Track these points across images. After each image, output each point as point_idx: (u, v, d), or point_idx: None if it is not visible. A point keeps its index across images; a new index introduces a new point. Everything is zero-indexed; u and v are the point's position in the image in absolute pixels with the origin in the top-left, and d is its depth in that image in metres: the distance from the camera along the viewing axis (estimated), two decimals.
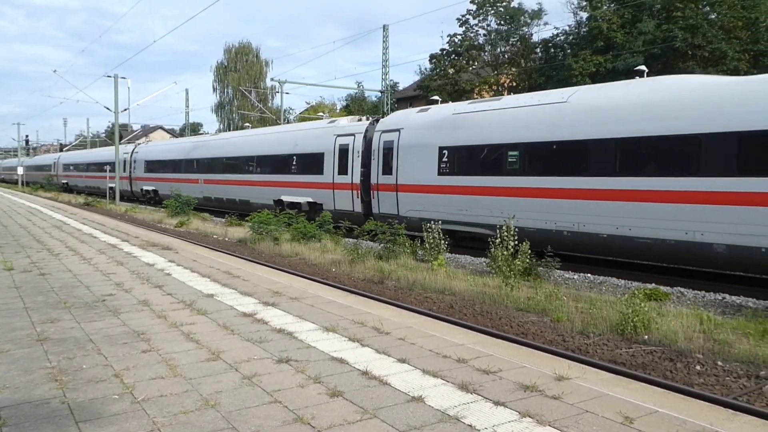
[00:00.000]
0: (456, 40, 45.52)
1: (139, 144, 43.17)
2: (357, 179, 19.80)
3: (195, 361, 5.53)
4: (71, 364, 5.41)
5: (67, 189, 55.15)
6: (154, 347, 5.97)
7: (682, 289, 11.40)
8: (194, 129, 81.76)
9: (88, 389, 4.78)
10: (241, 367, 5.39)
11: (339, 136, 20.71)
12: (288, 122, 48.67)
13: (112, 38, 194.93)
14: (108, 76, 38.08)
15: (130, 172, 40.45)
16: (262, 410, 4.40)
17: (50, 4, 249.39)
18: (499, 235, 12.11)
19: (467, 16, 44.83)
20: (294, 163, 23.11)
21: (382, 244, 14.99)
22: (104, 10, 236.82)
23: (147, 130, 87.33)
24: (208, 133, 38.94)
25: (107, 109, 38.71)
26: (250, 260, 13.72)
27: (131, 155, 40.94)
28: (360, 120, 21.26)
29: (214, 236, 20.45)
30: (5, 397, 4.59)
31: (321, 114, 47.25)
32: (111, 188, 41.37)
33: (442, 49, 46.54)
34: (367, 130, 19.79)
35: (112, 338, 6.29)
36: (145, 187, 38.59)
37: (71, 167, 56.06)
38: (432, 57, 47.24)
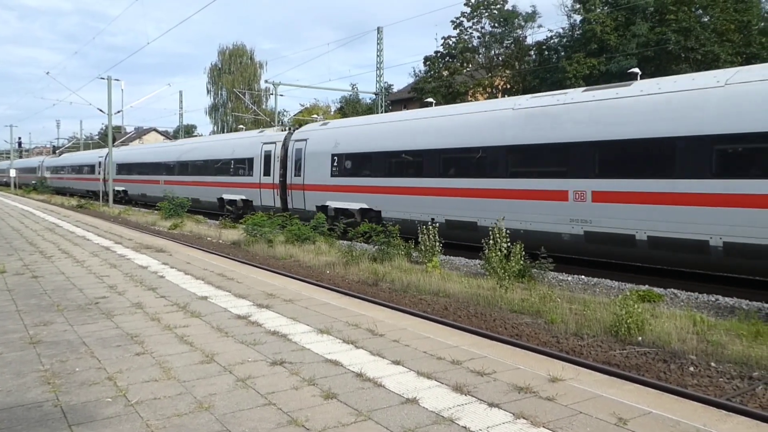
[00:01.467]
0: (450, 42, 45.60)
1: (312, 123, 26.48)
2: None
3: (189, 364, 5.51)
4: (64, 367, 5.39)
5: (126, 200, 39.65)
6: (147, 350, 5.95)
7: (675, 291, 11.44)
8: (188, 131, 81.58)
9: (81, 392, 4.75)
10: (235, 369, 5.37)
11: None
12: (281, 125, 48.43)
13: (106, 40, 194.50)
14: (101, 78, 37.58)
15: (303, 175, 22.21)
16: (256, 413, 4.39)
17: (43, 6, 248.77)
18: (492, 237, 12.12)
19: (461, 19, 44.93)
20: None
21: (376, 246, 14.99)
22: (97, 12, 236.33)
23: (140, 132, 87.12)
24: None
25: (100, 111, 38.56)
26: (244, 262, 13.70)
27: (304, 146, 22.20)
28: None
29: (208, 238, 20.40)
30: None
31: (315, 116, 47.14)
32: (247, 204, 25.69)
33: (437, 52, 46.62)
34: None
35: (105, 341, 6.27)
36: (340, 204, 20.32)
37: (135, 169, 38.56)
38: (426, 59, 47.31)
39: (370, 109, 55.66)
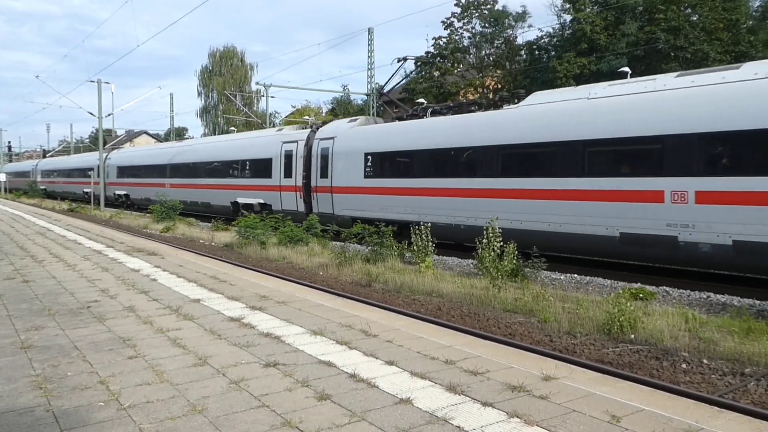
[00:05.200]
0: (441, 42, 45.62)
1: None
2: None
3: (182, 367, 5.49)
4: (56, 371, 5.36)
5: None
6: (140, 353, 5.92)
7: (667, 289, 11.50)
8: (179, 134, 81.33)
9: (74, 397, 4.73)
10: (228, 371, 5.36)
11: None
12: (274, 127, 48.31)
13: (95, 43, 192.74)
14: (91, 81, 37.51)
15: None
16: (249, 415, 4.37)
17: (31, 10, 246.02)
18: (486, 236, 12.16)
19: (452, 19, 44.96)
20: None
21: (369, 248, 14.98)
22: (86, 15, 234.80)
23: (131, 135, 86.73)
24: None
25: (91, 114, 38.43)
26: (236, 265, 13.66)
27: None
28: None
29: (201, 241, 20.34)
30: None
31: (307, 117, 47.13)
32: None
33: (427, 52, 46.62)
34: None
35: (97, 345, 6.23)
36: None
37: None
38: (417, 60, 47.28)
39: (361, 110, 55.62)
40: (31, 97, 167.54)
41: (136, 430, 4.09)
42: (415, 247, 14.18)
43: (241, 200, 25.85)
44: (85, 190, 44.57)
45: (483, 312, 9.62)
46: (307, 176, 21.56)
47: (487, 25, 44.35)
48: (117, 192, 40.70)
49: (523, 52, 43.72)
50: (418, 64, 46.75)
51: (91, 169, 42.83)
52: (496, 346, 6.57)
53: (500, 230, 12.30)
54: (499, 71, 44.22)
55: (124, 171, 39.84)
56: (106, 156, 42.45)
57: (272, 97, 69.75)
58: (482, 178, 15.33)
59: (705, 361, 7.08)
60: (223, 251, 17.68)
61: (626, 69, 17.15)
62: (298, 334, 6.74)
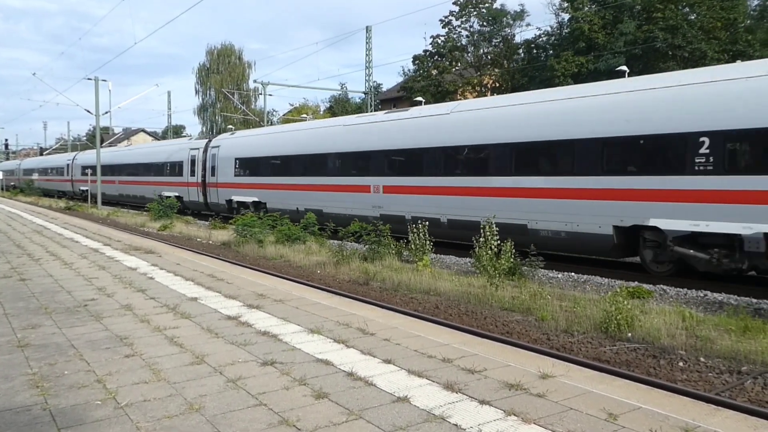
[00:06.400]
0: (439, 41, 45.66)
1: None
2: None
3: (179, 365, 5.48)
4: (53, 370, 5.34)
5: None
6: (137, 352, 5.91)
7: (664, 287, 11.52)
8: (177, 132, 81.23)
9: (70, 395, 4.72)
10: (225, 370, 5.35)
11: None
12: (271, 125, 48.31)
13: (92, 41, 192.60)
14: (88, 79, 37.47)
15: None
16: (247, 413, 4.37)
17: (28, 7, 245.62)
18: (483, 235, 12.16)
19: (450, 18, 45.01)
20: None
21: (367, 246, 14.98)
22: (83, 12, 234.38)
23: (129, 133, 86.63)
24: None
25: (88, 112, 38.36)
26: (234, 263, 13.65)
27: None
28: None
29: (198, 239, 20.32)
30: None
31: (305, 116, 47.10)
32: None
33: (425, 51, 46.67)
34: None
35: (94, 343, 6.22)
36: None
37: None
38: (415, 58, 47.37)
39: (359, 108, 55.60)
40: (27, 94, 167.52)
41: (133, 429, 4.09)
42: (412, 246, 14.18)
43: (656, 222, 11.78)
44: (167, 193, 32.13)
45: (480, 310, 9.62)
46: None
47: (485, 23, 44.40)
48: (236, 198, 26.30)
49: (521, 51, 43.78)
50: (416, 62, 46.79)
51: (179, 163, 31.59)
52: (494, 345, 6.58)
53: None
54: (497, 70, 44.25)
55: (257, 165, 25.34)
56: (207, 143, 29.70)
57: (270, 95, 69.62)
58: None
59: (702, 359, 7.10)
60: (221, 250, 17.67)
61: (624, 68, 17.17)
62: (296, 333, 6.73)
